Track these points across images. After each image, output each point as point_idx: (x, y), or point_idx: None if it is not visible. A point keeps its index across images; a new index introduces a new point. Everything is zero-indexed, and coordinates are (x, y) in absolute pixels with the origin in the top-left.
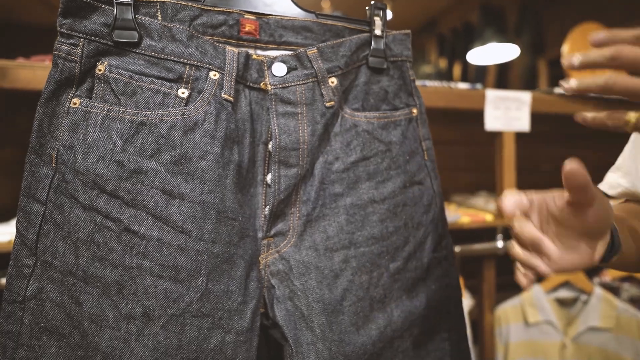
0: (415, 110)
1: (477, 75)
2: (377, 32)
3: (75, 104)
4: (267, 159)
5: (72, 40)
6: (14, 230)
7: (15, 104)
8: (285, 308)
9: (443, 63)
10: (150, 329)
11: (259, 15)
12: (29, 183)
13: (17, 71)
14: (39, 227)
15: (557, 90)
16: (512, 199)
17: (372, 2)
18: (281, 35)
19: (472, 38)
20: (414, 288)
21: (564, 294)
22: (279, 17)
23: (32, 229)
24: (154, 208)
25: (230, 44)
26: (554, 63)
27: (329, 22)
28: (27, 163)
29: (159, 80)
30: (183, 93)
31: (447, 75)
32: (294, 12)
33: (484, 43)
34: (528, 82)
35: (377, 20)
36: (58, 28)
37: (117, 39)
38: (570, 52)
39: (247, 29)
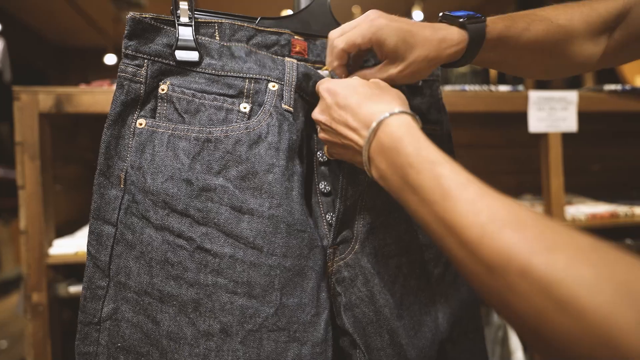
0: (442, 127)
1: None
2: None
3: (141, 124)
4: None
5: (136, 62)
6: (80, 242)
7: (77, 125)
8: (353, 315)
9: None
10: (229, 345)
11: (307, 36)
12: (98, 205)
13: (80, 97)
14: (111, 248)
15: (607, 87)
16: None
17: None
18: None
19: None
20: (453, 292)
21: None
22: (325, 39)
23: (104, 250)
24: (225, 225)
25: None
26: None
27: None
28: (95, 185)
29: (221, 97)
30: (245, 107)
31: (482, 74)
32: None
33: None
34: (572, 78)
35: None
36: (123, 50)
37: (179, 59)
38: None
39: (297, 49)
